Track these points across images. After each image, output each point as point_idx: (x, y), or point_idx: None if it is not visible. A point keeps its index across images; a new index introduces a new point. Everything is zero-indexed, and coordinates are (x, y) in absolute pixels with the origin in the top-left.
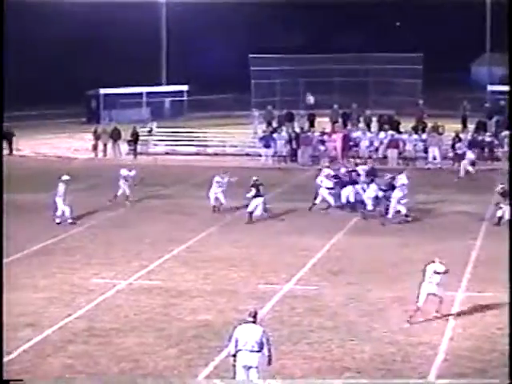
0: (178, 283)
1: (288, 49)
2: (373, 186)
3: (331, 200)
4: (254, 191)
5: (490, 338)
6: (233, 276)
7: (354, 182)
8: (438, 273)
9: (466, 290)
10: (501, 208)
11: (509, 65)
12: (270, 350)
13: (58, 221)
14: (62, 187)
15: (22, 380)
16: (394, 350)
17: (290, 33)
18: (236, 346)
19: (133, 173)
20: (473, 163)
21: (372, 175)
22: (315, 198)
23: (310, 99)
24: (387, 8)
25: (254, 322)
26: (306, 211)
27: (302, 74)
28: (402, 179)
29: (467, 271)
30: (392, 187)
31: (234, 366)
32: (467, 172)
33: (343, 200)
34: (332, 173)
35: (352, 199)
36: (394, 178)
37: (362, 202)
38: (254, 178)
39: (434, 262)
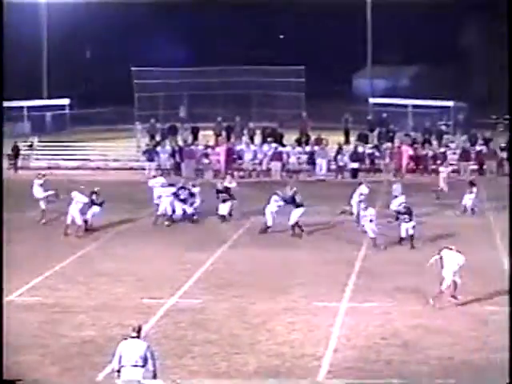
0: (60, 299)
1: (172, 62)
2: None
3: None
4: None
5: (374, 348)
6: (117, 291)
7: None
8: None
9: (350, 300)
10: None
11: (508, 67)
12: (154, 365)
13: None
14: None
15: (21, 380)
16: (278, 363)
17: (175, 46)
18: (120, 361)
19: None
20: (355, 174)
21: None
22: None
23: (182, 111)
24: (270, 20)
25: (137, 337)
26: (190, 225)
27: (186, 86)
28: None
29: (351, 282)
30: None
31: (118, 381)
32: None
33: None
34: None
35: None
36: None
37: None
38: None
39: (451, 249)
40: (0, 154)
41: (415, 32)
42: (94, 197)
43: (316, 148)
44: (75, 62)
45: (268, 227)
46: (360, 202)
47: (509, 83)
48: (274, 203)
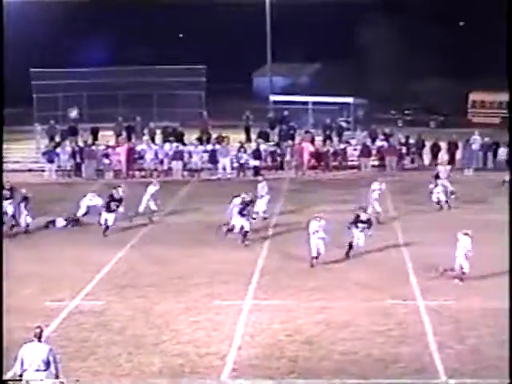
0: None
1: (72, 62)
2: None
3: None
4: None
5: (278, 345)
6: (22, 293)
7: None
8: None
9: (254, 297)
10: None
11: (508, 67)
12: (57, 368)
13: None
14: None
15: (21, 380)
16: (182, 362)
17: (75, 46)
18: (22, 365)
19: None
20: (256, 172)
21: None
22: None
23: (73, 113)
24: (169, 20)
25: (39, 341)
26: (89, 225)
27: (86, 87)
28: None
29: (254, 280)
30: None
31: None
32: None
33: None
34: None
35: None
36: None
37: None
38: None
39: (467, 234)
40: (0, 155)
41: (314, 29)
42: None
43: (218, 146)
44: None
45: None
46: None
47: (508, 82)
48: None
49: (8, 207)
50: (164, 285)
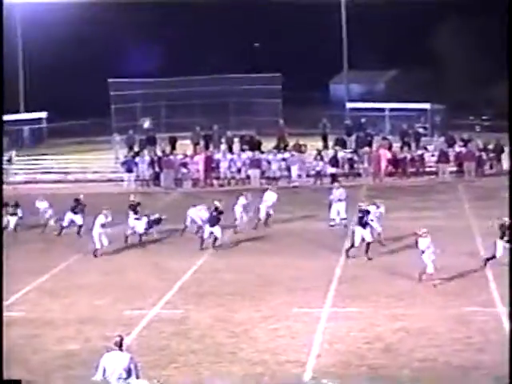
0: (41, 313)
1: (149, 72)
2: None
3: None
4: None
5: (357, 353)
6: (98, 303)
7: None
8: None
9: (332, 305)
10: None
11: (508, 68)
12: (138, 377)
13: None
14: None
15: (20, 380)
16: (262, 370)
17: (151, 56)
18: (104, 374)
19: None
20: (334, 179)
21: None
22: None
23: (146, 123)
24: (245, 28)
25: (120, 349)
26: (171, 234)
27: (163, 97)
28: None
29: (332, 288)
30: None
31: None
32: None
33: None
34: None
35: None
36: None
37: None
38: (131, 198)
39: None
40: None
41: (390, 36)
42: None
43: (296, 154)
44: (51, 74)
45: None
46: None
47: (509, 84)
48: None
49: (77, 218)
50: (243, 293)
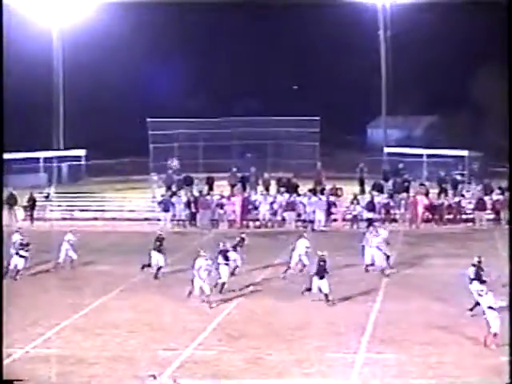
0: (75, 351)
1: (187, 112)
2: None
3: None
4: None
5: None
6: (131, 342)
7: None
8: None
9: (366, 350)
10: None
11: (509, 73)
12: None
13: None
14: None
15: (21, 380)
16: None
17: (189, 96)
18: None
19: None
20: (370, 224)
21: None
22: None
23: (175, 164)
24: (284, 71)
25: None
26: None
27: (202, 137)
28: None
29: (366, 333)
30: None
31: None
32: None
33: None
34: None
35: None
36: None
37: None
38: (159, 233)
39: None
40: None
41: (429, 81)
42: None
43: (332, 198)
44: (91, 112)
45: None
46: None
47: (508, 95)
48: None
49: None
50: (276, 335)
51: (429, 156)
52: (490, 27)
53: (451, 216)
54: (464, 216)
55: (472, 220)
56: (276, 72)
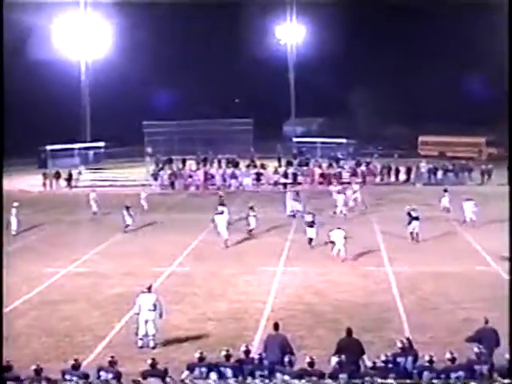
0: (99, 269)
1: (167, 116)
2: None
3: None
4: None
5: (298, 296)
6: (136, 263)
7: None
8: None
9: (284, 266)
10: None
11: (509, 72)
12: (161, 310)
13: (13, 233)
14: (14, 210)
15: (21, 380)
16: (239, 306)
17: (165, 104)
18: (139, 308)
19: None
20: (285, 186)
21: None
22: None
23: (149, 150)
24: (230, 87)
25: (149, 292)
26: (182, 221)
27: (178, 133)
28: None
29: (284, 254)
30: None
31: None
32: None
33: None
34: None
35: None
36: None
37: None
38: (220, 193)
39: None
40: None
41: (320, 93)
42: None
43: (262, 170)
44: (108, 114)
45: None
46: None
47: (509, 92)
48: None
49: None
50: (229, 257)
51: (321, 143)
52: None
53: (335, 180)
54: (343, 180)
55: (348, 183)
56: (225, 87)
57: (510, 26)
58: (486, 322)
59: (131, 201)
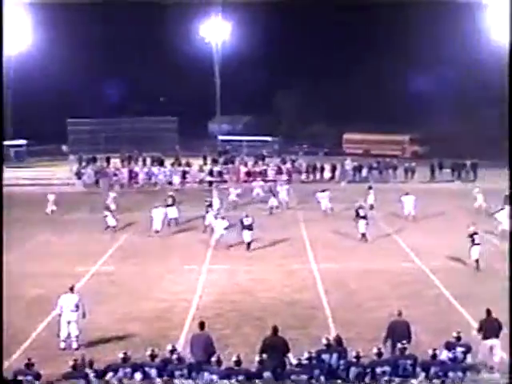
0: (22, 270)
1: (93, 113)
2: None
3: None
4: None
5: (224, 294)
6: (60, 263)
7: None
8: None
9: (209, 264)
10: None
11: (509, 74)
12: (84, 311)
13: None
14: None
15: (21, 380)
16: (165, 305)
17: (94, 102)
18: (61, 309)
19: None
20: (211, 184)
21: None
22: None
23: (65, 148)
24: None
25: (71, 292)
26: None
27: (102, 131)
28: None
29: (209, 253)
30: None
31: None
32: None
33: None
34: None
35: None
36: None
37: None
38: (170, 193)
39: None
40: (1, 163)
41: (247, 92)
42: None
43: (187, 168)
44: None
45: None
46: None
47: (509, 92)
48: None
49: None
50: (155, 256)
51: (247, 141)
52: (292, 50)
53: (260, 178)
54: (268, 178)
55: (273, 180)
56: (150, 85)
57: (510, 26)
58: (399, 314)
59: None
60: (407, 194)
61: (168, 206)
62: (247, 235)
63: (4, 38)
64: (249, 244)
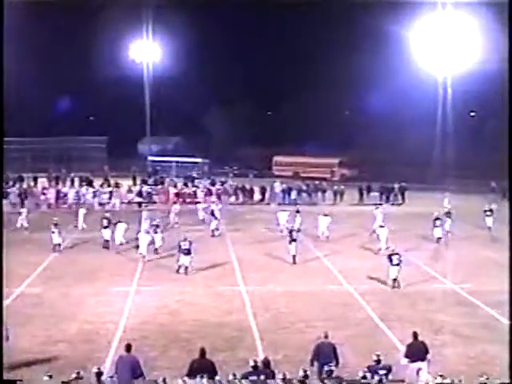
0: None
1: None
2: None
3: None
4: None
5: (152, 316)
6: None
7: None
8: None
9: (137, 285)
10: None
11: (509, 75)
12: (7, 333)
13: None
14: None
15: (21, 380)
16: (91, 327)
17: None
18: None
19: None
20: (140, 205)
21: None
22: None
23: None
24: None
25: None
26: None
27: (29, 150)
28: None
29: (137, 273)
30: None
31: None
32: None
33: None
34: None
35: None
36: None
37: None
38: (106, 215)
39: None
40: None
41: (176, 112)
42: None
43: (115, 189)
44: None
45: None
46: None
47: (509, 94)
48: None
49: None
50: (82, 277)
51: (176, 162)
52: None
53: (190, 199)
54: (198, 199)
55: (204, 202)
56: (79, 104)
57: (510, 26)
58: (326, 336)
59: None
60: (326, 215)
61: (104, 227)
62: (185, 260)
63: None
64: (186, 268)
